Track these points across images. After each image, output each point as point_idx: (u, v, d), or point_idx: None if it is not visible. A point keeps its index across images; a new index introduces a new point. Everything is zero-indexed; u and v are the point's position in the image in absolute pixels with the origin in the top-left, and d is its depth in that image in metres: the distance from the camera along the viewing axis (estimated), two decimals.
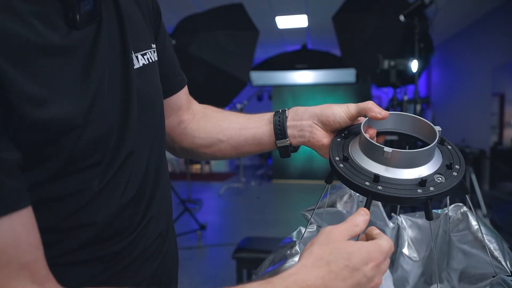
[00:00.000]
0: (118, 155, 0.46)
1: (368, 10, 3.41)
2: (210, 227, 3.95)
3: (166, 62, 0.63)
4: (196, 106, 0.74)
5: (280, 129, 0.62)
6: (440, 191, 0.45)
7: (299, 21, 5.79)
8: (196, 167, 8.26)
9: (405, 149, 0.49)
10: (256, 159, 9.32)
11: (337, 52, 4.95)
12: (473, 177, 3.12)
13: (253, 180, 6.98)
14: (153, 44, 0.57)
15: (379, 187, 0.46)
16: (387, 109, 3.85)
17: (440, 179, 0.47)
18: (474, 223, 0.54)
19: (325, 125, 0.59)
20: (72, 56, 0.41)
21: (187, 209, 3.81)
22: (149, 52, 0.55)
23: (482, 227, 0.53)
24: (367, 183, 0.47)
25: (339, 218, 0.63)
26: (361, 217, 0.44)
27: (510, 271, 0.48)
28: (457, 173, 0.48)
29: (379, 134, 0.57)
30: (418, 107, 2.71)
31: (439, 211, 0.60)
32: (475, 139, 5.68)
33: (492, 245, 0.51)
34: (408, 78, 3.09)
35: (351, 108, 0.57)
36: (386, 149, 0.48)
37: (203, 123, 0.70)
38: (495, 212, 3.65)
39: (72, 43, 0.40)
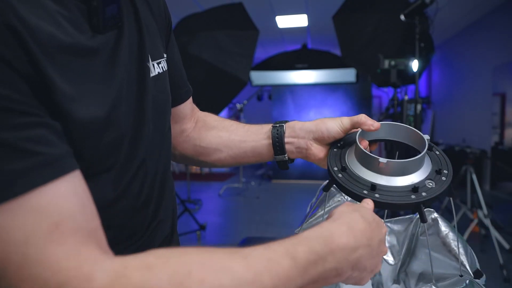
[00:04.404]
0: (131, 163, 0.47)
1: (368, 10, 3.40)
2: (210, 228, 3.94)
3: (175, 72, 0.65)
4: (198, 114, 0.75)
5: (278, 146, 0.64)
6: (431, 196, 0.49)
7: (299, 20, 5.78)
8: (196, 167, 8.25)
9: (396, 154, 0.54)
10: None
11: (337, 51, 4.93)
12: (474, 177, 3.10)
13: (253, 180, 6.97)
14: (165, 53, 0.58)
15: (376, 195, 0.51)
16: (387, 109, 3.85)
17: (431, 184, 0.51)
18: (443, 228, 0.58)
19: (320, 141, 0.63)
20: (95, 58, 0.41)
21: (187, 209, 3.80)
22: (162, 61, 0.56)
23: (450, 233, 0.57)
24: (365, 191, 0.51)
25: None
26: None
27: (472, 274, 0.52)
28: (446, 178, 0.52)
29: (372, 142, 0.61)
30: (419, 107, 2.70)
31: (415, 215, 0.64)
32: (476, 139, 5.67)
33: (460, 250, 0.55)
34: (408, 78, 3.08)
35: (345, 122, 0.60)
36: (381, 159, 0.52)
37: (204, 132, 0.71)
38: (496, 212, 3.64)
39: (96, 45, 0.41)
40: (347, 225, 0.43)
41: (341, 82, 6.45)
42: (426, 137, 0.55)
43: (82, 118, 0.38)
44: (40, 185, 0.31)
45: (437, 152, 0.56)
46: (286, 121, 0.67)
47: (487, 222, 2.93)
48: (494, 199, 4.75)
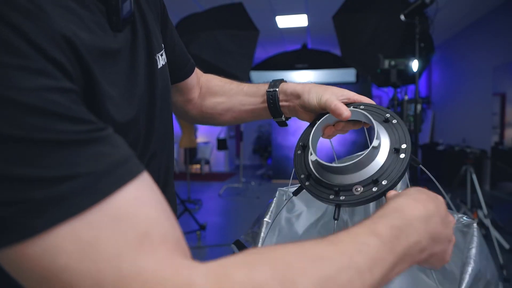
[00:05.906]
0: (143, 157, 0.48)
1: (368, 10, 3.40)
2: (210, 228, 3.94)
3: (179, 51, 0.69)
4: (202, 79, 0.80)
5: (274, 109, 0.69)
6: (347, 202, 0.49)
7: (299, 20, 5.78)
8: (196, 167, 8.25)
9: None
10: (256, 159, 9.31)
11: (337, 51, 4.93)
12: (474, 177, 3.10)
13: (253, 180, 6.97)
14: (163, 44, 0.59)
15: (307, 183, 0.53)
16: (387, 108, 3.86)
17: (358, 190, 0.49)
18: (471, 245, 0.52)
19: (305, 108, 0.65)
20: (121, 58, 0.41)
21: (187, 209, 3.80)
22: (163, 53, 0.57)
23: (473, 250, 0.51)
24: (302, 176, 0.54)
25: None
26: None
27: None
28: (377, 188, 0.47)
29: (355, 122, 0.60)
30: (419, 107, 2.70)
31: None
32: (476, 139, 5.66)
33: (470, 267, 0.49)
34: (408, 78, 3.08)
35: (323, 100, 0.60)
36: (311, 157, 0.53)
37: (208, 98, 0.78)
38: (496, 212, 3.64)
39: (119, 45, 0.41)
40: (411, 197, 0.43)
41: (341, 82, 6.45)
42: (374, 144, 0.49)
43: (120, 121, 0.38)
44: (118, 188, 0.28)
45: (403, 155, 0.49)
46: (281, 81, 0.69)
47: (487, 222, 2.93)
48: (494, 199, 4.75)
